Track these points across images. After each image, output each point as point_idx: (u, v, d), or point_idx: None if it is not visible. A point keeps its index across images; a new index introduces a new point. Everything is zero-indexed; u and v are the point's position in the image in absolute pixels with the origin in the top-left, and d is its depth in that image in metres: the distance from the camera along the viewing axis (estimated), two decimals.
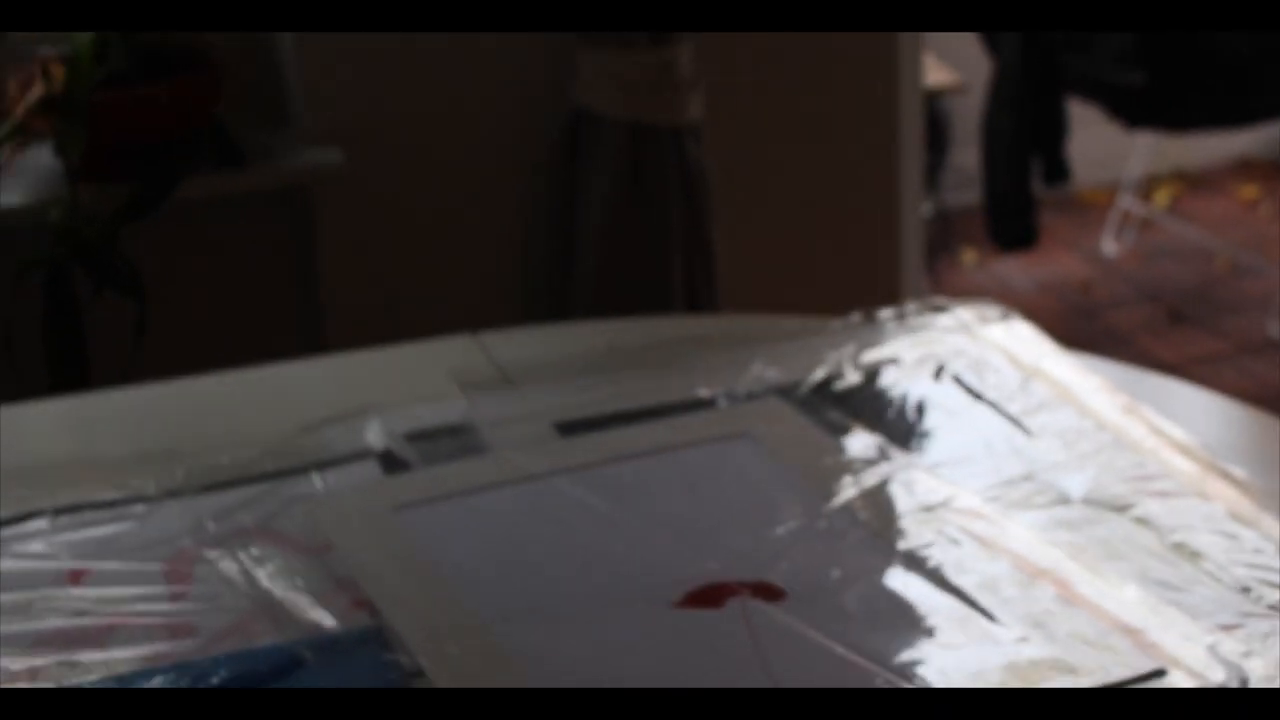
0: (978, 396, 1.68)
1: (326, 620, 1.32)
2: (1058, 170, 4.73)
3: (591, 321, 2.38)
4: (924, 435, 1.61)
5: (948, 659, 1.26)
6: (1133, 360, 3.94)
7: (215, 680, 1.24)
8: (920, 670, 1.23)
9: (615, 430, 1.62)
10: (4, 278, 2.31)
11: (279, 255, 2.60)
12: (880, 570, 1.38)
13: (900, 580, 1.36)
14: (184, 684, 1.24)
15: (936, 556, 1.38)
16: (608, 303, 2.54)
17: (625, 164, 2.52)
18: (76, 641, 1.32)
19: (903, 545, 1.40)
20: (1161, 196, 5.06)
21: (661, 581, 1.35)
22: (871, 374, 1.71)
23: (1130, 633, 1.27)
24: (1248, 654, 1.24)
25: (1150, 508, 1.46)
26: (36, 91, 2.34)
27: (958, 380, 1.71)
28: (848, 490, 1.48)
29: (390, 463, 1.57)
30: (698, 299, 2.62)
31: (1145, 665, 1.23)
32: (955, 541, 1.40)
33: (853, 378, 1.71)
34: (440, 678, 1.23)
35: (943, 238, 5.18)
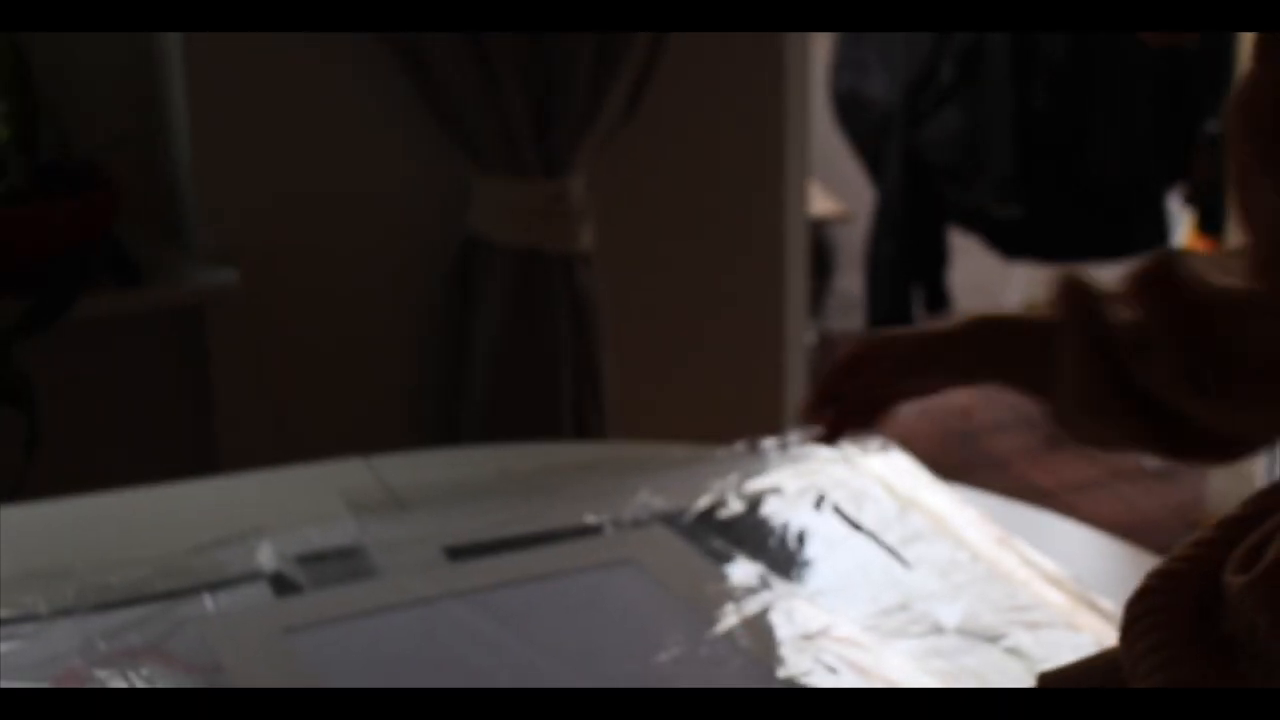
0: (857, 527, 1.72)
1: None
2: (938, 298, 4.81)
3: (482, 446, 2.39)
4: (804, 564, 1.65)
5: None
6: (1010, 486, 4.00)
7: None
8: None
9: (504, 555, 1.64)
10: None
11: (173, 373, 2.60)
12: None
13: None
14: None
15: (815, 684, 1.41)
16: (498, 427, 2.55)
17: (517, 290, 2.54)
18: None
19: (782, 673, 1.43)
20: None
21: None
22: (754, 503, 1.75)
23: None
24: None
25: (1021, 638, 1.50)
26: None
27: (837, 510, 1.75)
28: (729, 618, 1.51)
29: (281, 584, 1.58)
30: (587, 425, 2.64)
31: None
32: (833, 670, 1.43)
33: (736, 506, 1.74)
34: None
35: (827, 363, 5.24)
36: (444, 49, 2.41)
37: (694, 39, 2.64)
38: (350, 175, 2.60)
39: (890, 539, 1.69)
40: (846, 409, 1.48)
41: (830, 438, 1.46)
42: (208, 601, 1.54)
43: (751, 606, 1.54)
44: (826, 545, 1.69)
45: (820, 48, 4.20)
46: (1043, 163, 4.21)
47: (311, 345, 2.63)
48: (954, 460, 4.17)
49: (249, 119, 2.52)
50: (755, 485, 1.78)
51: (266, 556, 1.62)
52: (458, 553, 1.65)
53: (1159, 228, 4.33)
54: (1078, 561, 1.67)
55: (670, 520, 1.71)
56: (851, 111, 4.81)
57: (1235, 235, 3.80)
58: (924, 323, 4.81)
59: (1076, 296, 1.37)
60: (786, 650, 1.47)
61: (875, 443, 1.89)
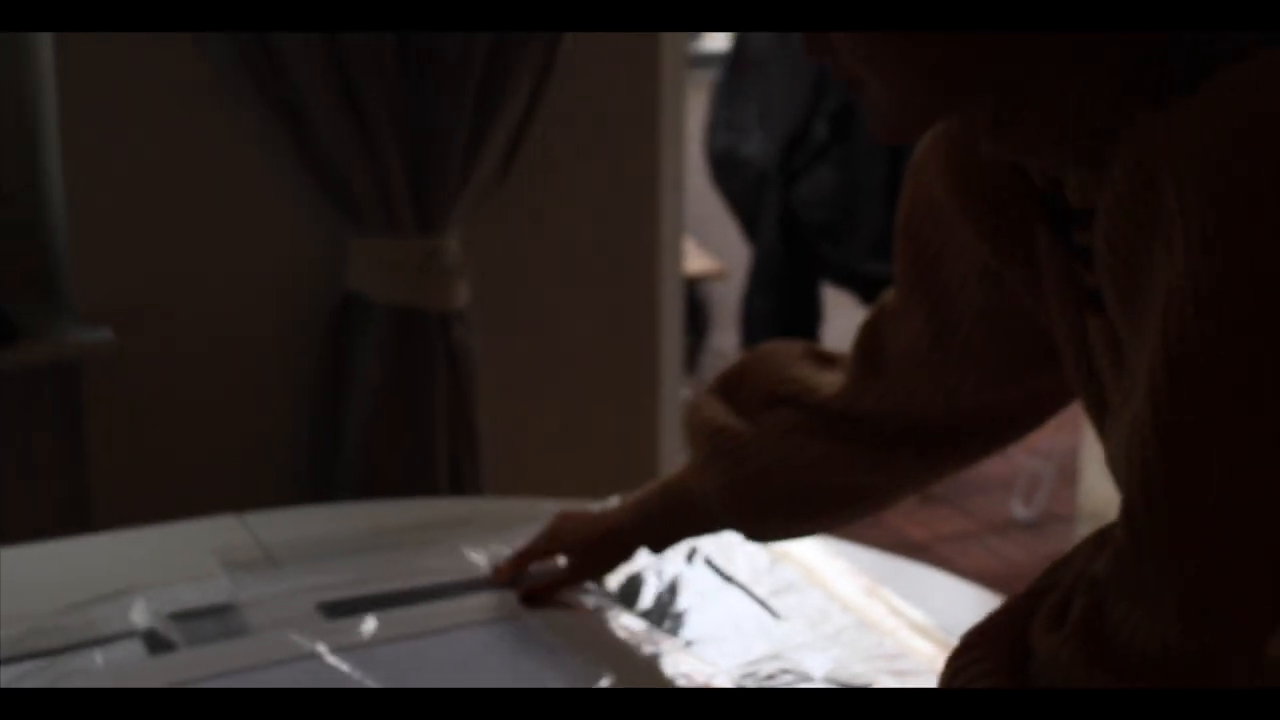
0: (728, 579, 1.74)
1: None
2: None
3: (357, 502, 2.39)
4: (678, 616, 1.66)
5: None
6: (884, 539, 4.04)
7: None
8: None
9: (380, 611, 1.64)
10: None
11: (48, 431, 2.58)
12: None
13: None
14: None
15: None
16: (373, 483, 2.55)
17: (393, 347, 2.55)
18: None
19: None
20: None
21: None
22: None
23: None
24: None
25: (889, 686, 1.53)
26: None
27: (709, 563, 1.77)
28: (612, 671, 1.52)
29: (154, 642, 1.57)
30: (462, 481, 2.65)
31: None
32: None
33: None
34: None
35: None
36: (321, 107, 2.42)
37: (569, 98, 2.67)
38: (227, 233, 2.60)
39: (761, 590, 1.71)
40: (539, 587, 1.68)
41: (527, 601, 1.67)
42: (81, 660, 1.53)
43: (632, 659, 1.55)
44: (700, 597, 1.70)
45: (696, 106, 4.25)
46: None
47: (187, 402, 2.62)
48: None
49: (126, 178, 2.51)
50: None
51: (140, 614, 1.62)
52: (333, 609, 1.64)
53: None
54: (948, 612, 1.70)
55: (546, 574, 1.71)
56: (727, 170, 4.86)
57: None
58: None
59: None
60: None
61: None
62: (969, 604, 1.82)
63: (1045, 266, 1.29)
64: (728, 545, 1.79)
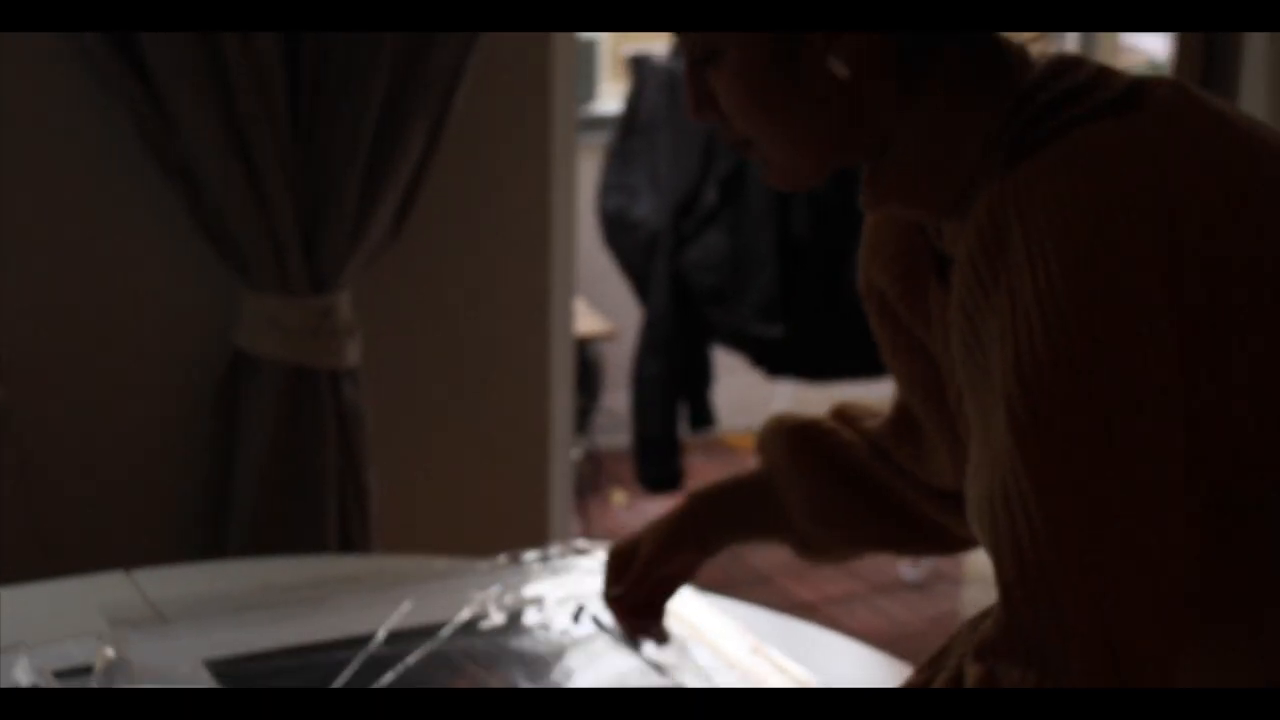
0: (615, 637, 1.75)
1: None
2: (702, 416, 4.88)
3: (246, 559, 2.38)
4: (566, 674, 1.67)
5: None
6: (773, 599, 4.06)
7: None
8: None
9: (269, 667, 1.64)
10: None
11: None
12: None
13: None
14: None
15: None
16: (263, 541, 2.54)
17: (284, 405, 2.55)
18: None
19: None
20: None
21: None
22: (515, 615, 1.77)
23: None
24: None
25: None
26: None
27: (596, 621, 1.78)
28: None
29: None
30: (352, 538, 2.64)
31: None
32: None
33: (497, 618, 1.77)
34: None
35: (594, 478, 5.29)
36: (215, 166, 2.42)
37: (461, 158, 2.69)
38: (118, 292, 2.59)
39: (648, 648, 1.73)
40: (629, 613, 1.74)
41: (631, 638, 1.72)
42: None
43: None
44: (586, 656, 1.71)
45: (589, 168, 4.28)
46: (804, 285, 4.31)
47: (77, 459, 2.60)
48: (717, 575, 4.23)
49: (14, 235, 2.50)
50: (517, 597, 1.81)
51: (24, 672, 1.60)
52: (221, 665, 1.64)
53: None
54: (833, 670, 1.73)
55: (432, 633, 1.72)
56: (619, 232, 4.88)
57: None
58: (689, 440, 4.90)
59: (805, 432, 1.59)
60: None
61: None
62: (853, 663, 1.84)
63: (932, 312, 1.34)
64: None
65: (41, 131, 2.50)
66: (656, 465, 4.63)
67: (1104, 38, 3.93)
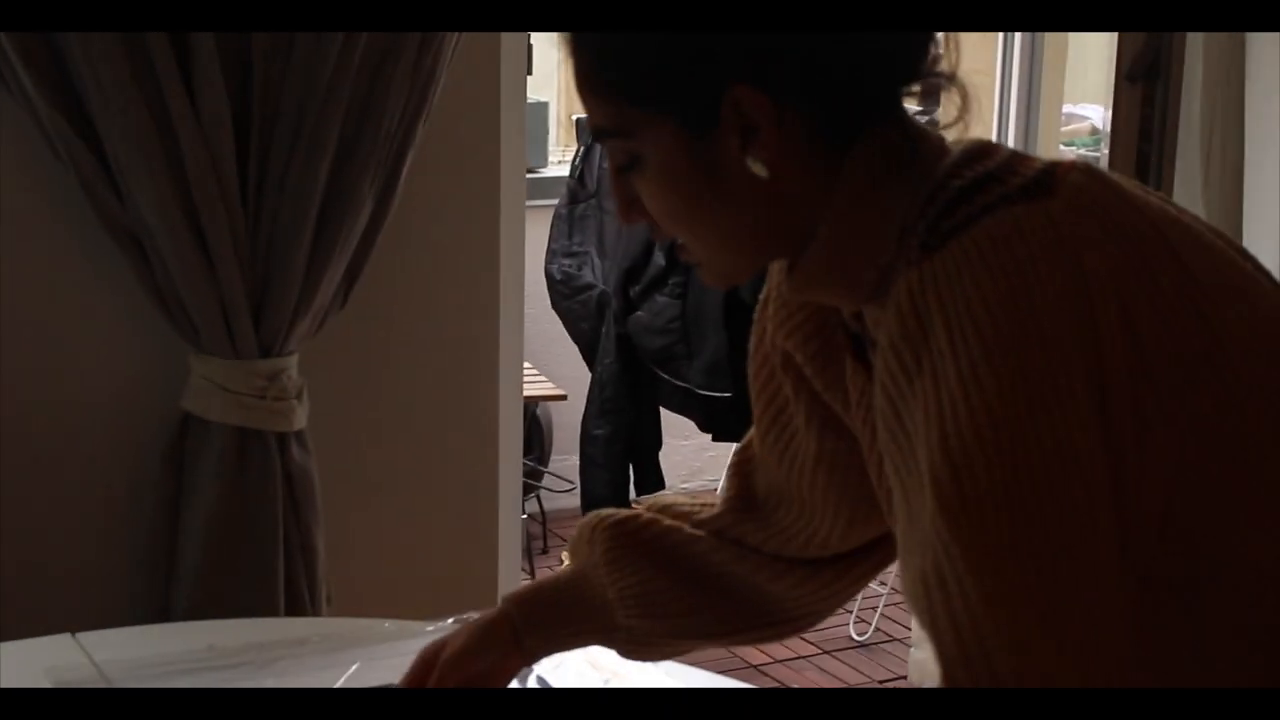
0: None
1: None
2: (651, 479, 4.89)
3: (193, 621, 2.38)
4: None
5: None
6: (723, 660, 4.06)
7: None
8: None
9: None
10: None
11: None
12: None
13: None
14: None
15: None
16: (210, 603, 2.53)
17: (230, 467, 2.54)
18: None
19: None
20: None
21: None
22: None
23: None
24: None
25: None
26: None
27: (541, 682, 1.78)
28: None
29: None
30: (300, 600, 2.63)
31: None
32: None
33: None
34: None
35: (542, 541, 5.29)
36: (164, 233, 2.43)
37: (409, 224, 2.69)
38: (67, 353, 2.59)
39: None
40: None
41: None
42: None
43: None
44: None
45: (538, 233, 4.29)
46: None
47: (19, 520, 2.59)
48: None
49: None
50: None
51: None
52: None
53: None
54: None
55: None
56: (567, 296, 4.90)
57: None
58: (638, 502, 4.90)
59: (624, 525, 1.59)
60: None
61: None
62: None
63: (850, 391, 1.36)
64: (560, 663, 1.81)
65: None
66: None
67: (1046, 105, 3.98)
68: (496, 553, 3.00)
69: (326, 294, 2.58)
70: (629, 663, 1.80)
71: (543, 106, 5.21)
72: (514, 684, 1.76)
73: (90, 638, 1.91)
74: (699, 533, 1.62)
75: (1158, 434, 1.12)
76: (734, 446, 2.83)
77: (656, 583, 1.60)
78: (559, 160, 5.71)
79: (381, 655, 1.82)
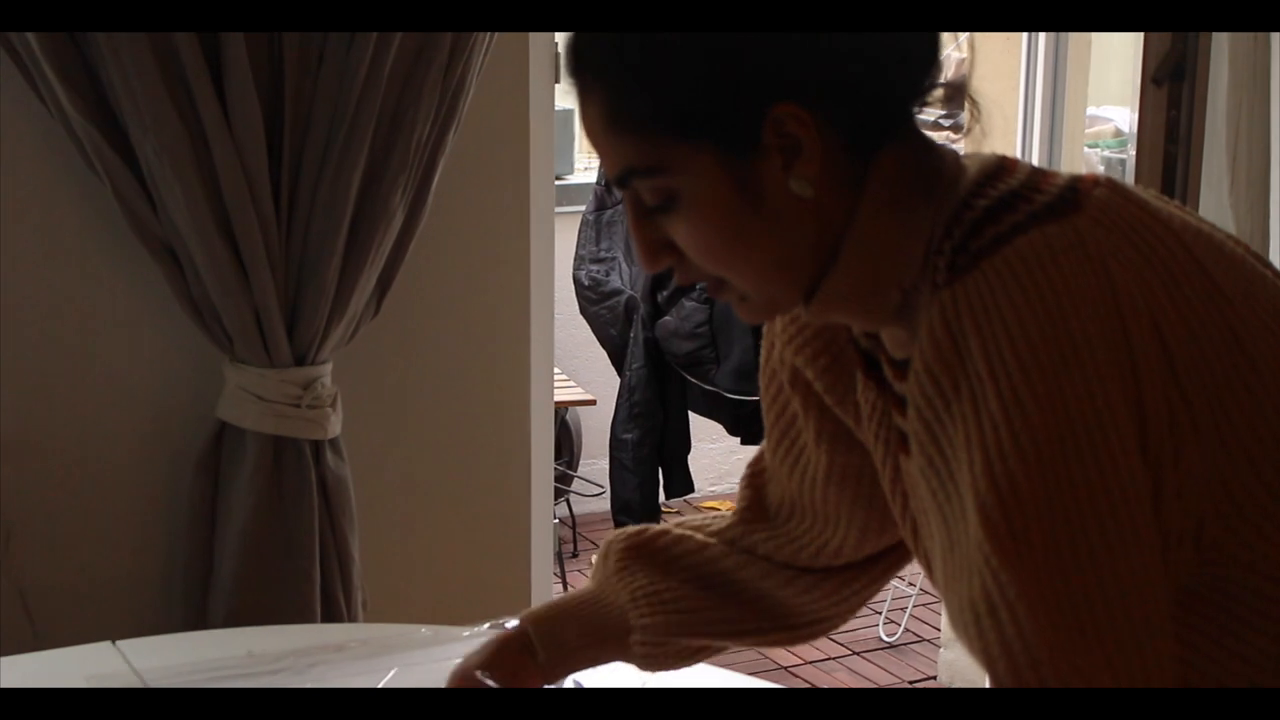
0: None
1: None
2: (681, 482, 4.89)
3: (231, 629, 2.38)
4: None
5: None
6: (754, 661, 4.06)
7: None
8: None
9: None
10: None
11: None
12: None
13: None
14: None
15: None
16: (247, 610, 2.54)
17: (266, 475, 2.55)
18: None
19: None
20: None
21: None
22: None
23: None
24: None
25: None
26: None
27: (576, 682, 1.78)
28: None
29: None
30: (335, 607, 2.64)
31: None
32: None
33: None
34: None
35: (573, 545, 5.30)
36: (199, 246, 2.43)
37: (440, 234, 2.70)
38: (106, 365, 2.60)
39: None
40: None
41: None
42: None
43: None
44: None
45: (566, 239, 4.30)
46: None
47: (63, 530, 2.60)
48: None
49: (5, 311, 2.51)
50: None
51: None
52: None
53: None
54: None
55: None
56: (595, 302, 4.91)
57: None
58: (667, 506, 4.90)
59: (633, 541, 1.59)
60: None
61: None
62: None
63: (863, 409, 1.36)
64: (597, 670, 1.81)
65: (34, 213, 2.51)
66: None
67: (1070, 107, 3.96)
68: (529, 557, 3.00)
69: (359, 303, 2.59)
70: (663, 678, 1.81)
71: (569, 114, 5.21)
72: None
73: (130, 645, 1.92)
74: (709, 540, 1.62)
75: (1191, 448, 1.12)
76: None
77: (665, 582, 1.60)
78: (585, 167, 5.72)
79: (418, 661, 1.82)
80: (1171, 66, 3.12)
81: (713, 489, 5.45)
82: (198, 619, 2.59)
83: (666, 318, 4.70)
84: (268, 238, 2.47)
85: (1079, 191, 1.17)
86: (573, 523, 5.34)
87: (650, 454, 4.84)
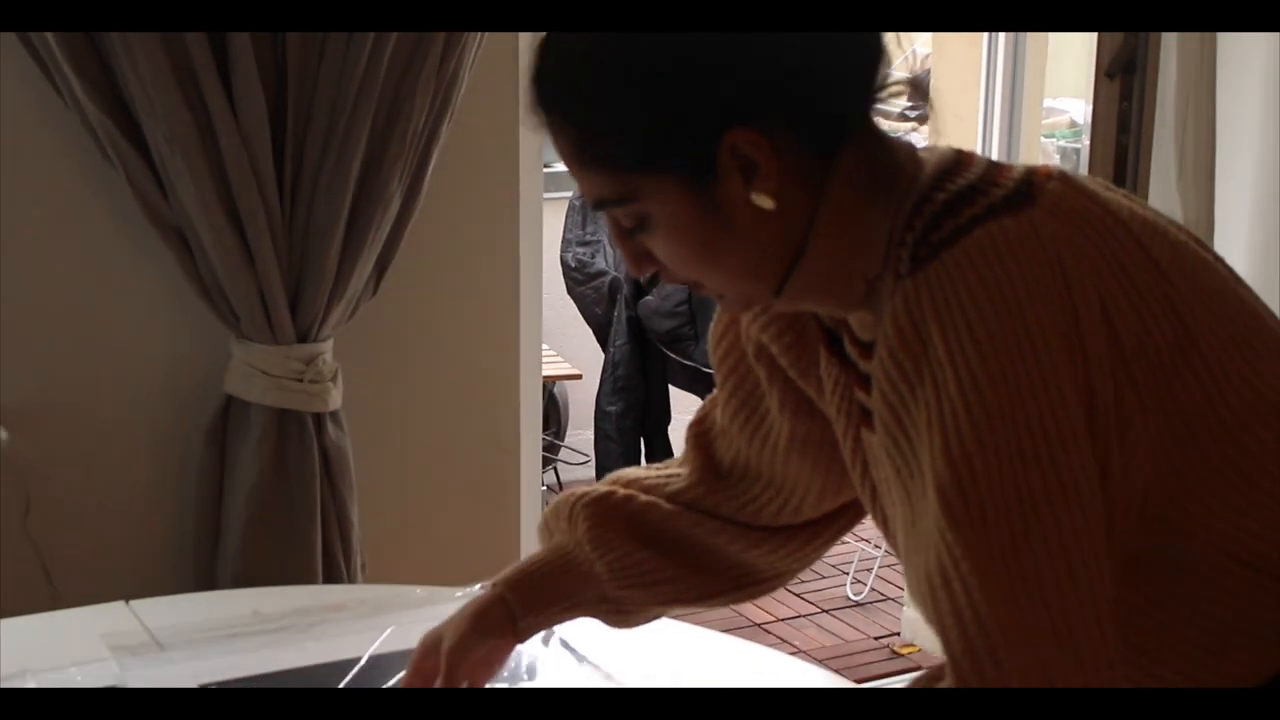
0: (582, 658, 1.77)
1: None
2: (662, 451, 4.90)
3: (237, 589, 2.39)
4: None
5: None
6: (727, 619, 4.07)
7: None
8: None
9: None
10: None
11: None
12: None
13: None
14: None
15: None
16: (253, 572, 2.54)
17: (270, 446, 2.55)
18: None
19: None
20: None
21: None
22: None
23: None
24: None
25: None
26: None
27: (564, 644, 1.79)
28: None
29: None
30: (336, 569, 2.64)
31: None
32: None
33: None
34: None
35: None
36: (207, 229, 2.43)
37: (435, 217, 2.70)
38: (118, 341, 2.60)
39: (611, 667, 1.74)
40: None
41: None
42: None
43: None
44: (556, 676, 1.72)
45: (553, 223, 4.30)
46: None
47: (78, 496, 2.60)
48: None
49: (20, 290, 2.51)
50: None
51: None
52: (216, 689, 1.64)
53: None
54: (782, 684, 1.74)
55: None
56: (581, 282, 4.91)
57: None
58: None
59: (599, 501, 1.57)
60: None
61: None
62: (808, 680, 1.86)
63: (825, 383, 1.37)
64: (582, 626, 1.81)
65: (52, 199, 2.51)
66: None
67: (1028, 99, 3.97)
68: (519, 522, 3.01)
69: (358, 283, 2.59)
70: (646, 637, 1.82)
71: None
72: (539, 647, 1.78)
73: (143, 605, 1.92)
74: (674, 507, 1.60)
75: (1136, 425, 1.13)
76: None
77: (640, 554, 1.58)
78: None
79: (413, 620, 1.82)
80: (1124, 61, 3.13)
81: None
82: (206, 580, 2.59)
83: (648, 297, 4.71)
84: (272, 222, 2.47)
85: (1033, 185, 1.18)
86: (560, 489, 5.35)
87: (633, 425, 4.85)
